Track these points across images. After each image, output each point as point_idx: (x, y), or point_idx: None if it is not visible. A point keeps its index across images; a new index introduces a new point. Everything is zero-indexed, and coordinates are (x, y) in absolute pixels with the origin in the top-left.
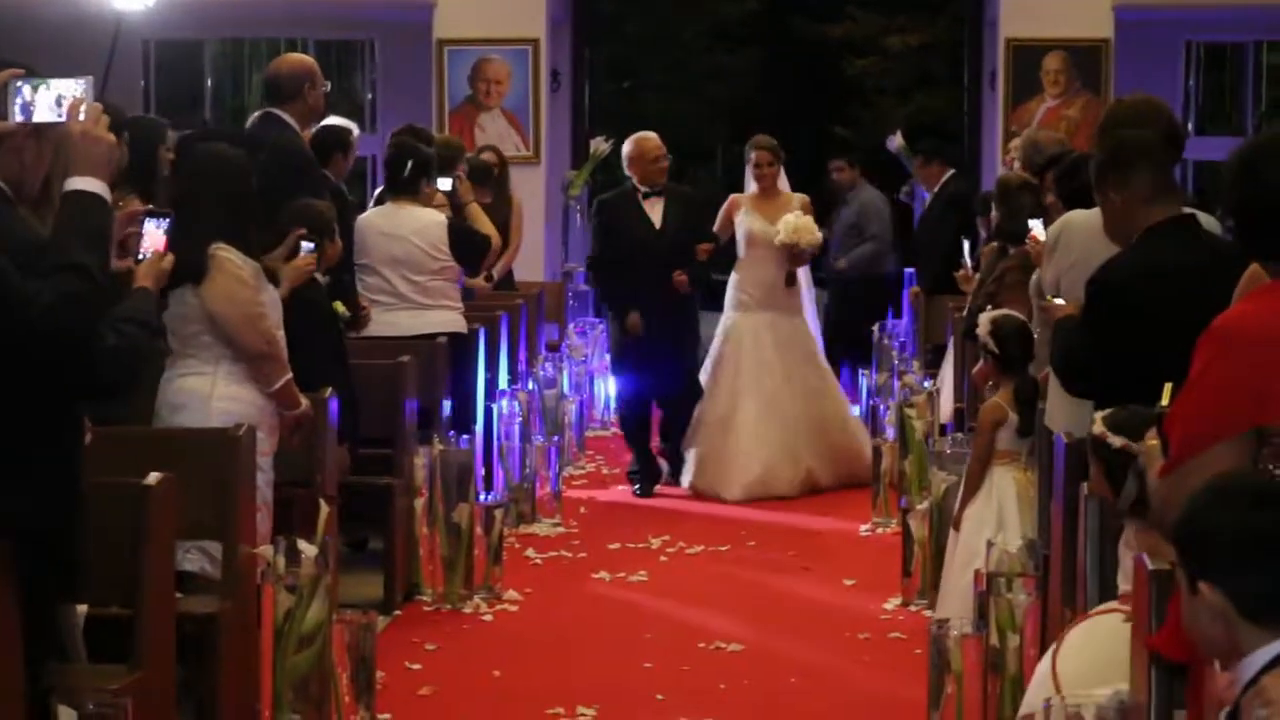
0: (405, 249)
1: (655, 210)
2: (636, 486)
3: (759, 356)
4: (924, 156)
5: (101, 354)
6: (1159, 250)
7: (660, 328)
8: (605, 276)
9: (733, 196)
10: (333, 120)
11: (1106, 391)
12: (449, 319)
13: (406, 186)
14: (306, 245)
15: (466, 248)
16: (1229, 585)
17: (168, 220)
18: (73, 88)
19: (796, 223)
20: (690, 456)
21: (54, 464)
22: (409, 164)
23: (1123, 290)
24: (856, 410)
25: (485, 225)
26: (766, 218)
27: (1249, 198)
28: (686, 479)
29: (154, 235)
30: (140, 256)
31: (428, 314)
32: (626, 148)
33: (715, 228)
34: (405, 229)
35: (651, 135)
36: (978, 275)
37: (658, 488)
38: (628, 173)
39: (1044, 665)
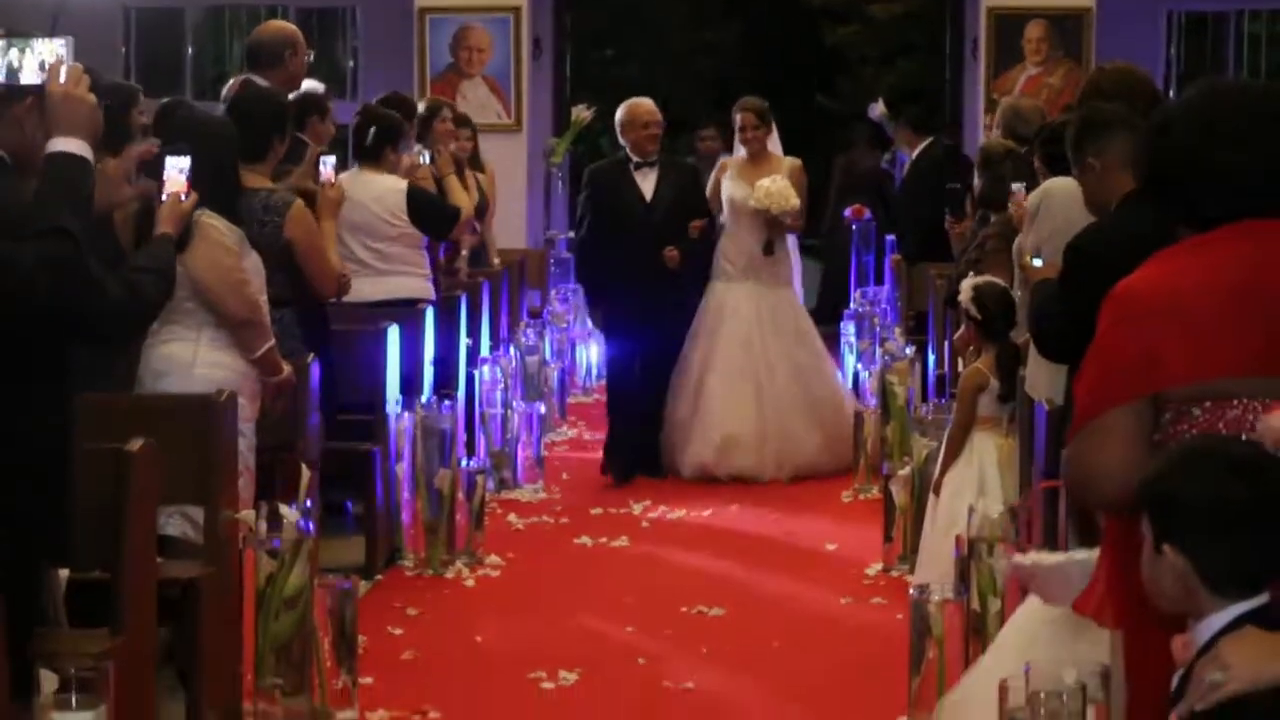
0: (363, 215)
1: (647, 182)
2: (614, 471)
3: (736, 329)
4: (913, 127)
5: (103, 306)
6: (1138, 217)
7: (649, 306)
8: (584, 260)
9: (721, 161)
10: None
11: (1081, 358)
12: (411, 285)
13: (369, 153)
14: (328, 160)
15: (428, 214)
16: (1193, 552)
17: (187, 158)
18: (54, 49)
19: (770, 187)
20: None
21: (43, 430)
22: (371, 131)
23: (1100, 257)
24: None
25: (460, 198)
26: (750, 184)
27: (1158, 159)
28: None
29: (173, 175)
30: (163, 197)
31: (388, 280)
32: (619, 113)
33: (708, 194)
34: (364, 195)
35: (644, 101)
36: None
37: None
38: (621, 140)
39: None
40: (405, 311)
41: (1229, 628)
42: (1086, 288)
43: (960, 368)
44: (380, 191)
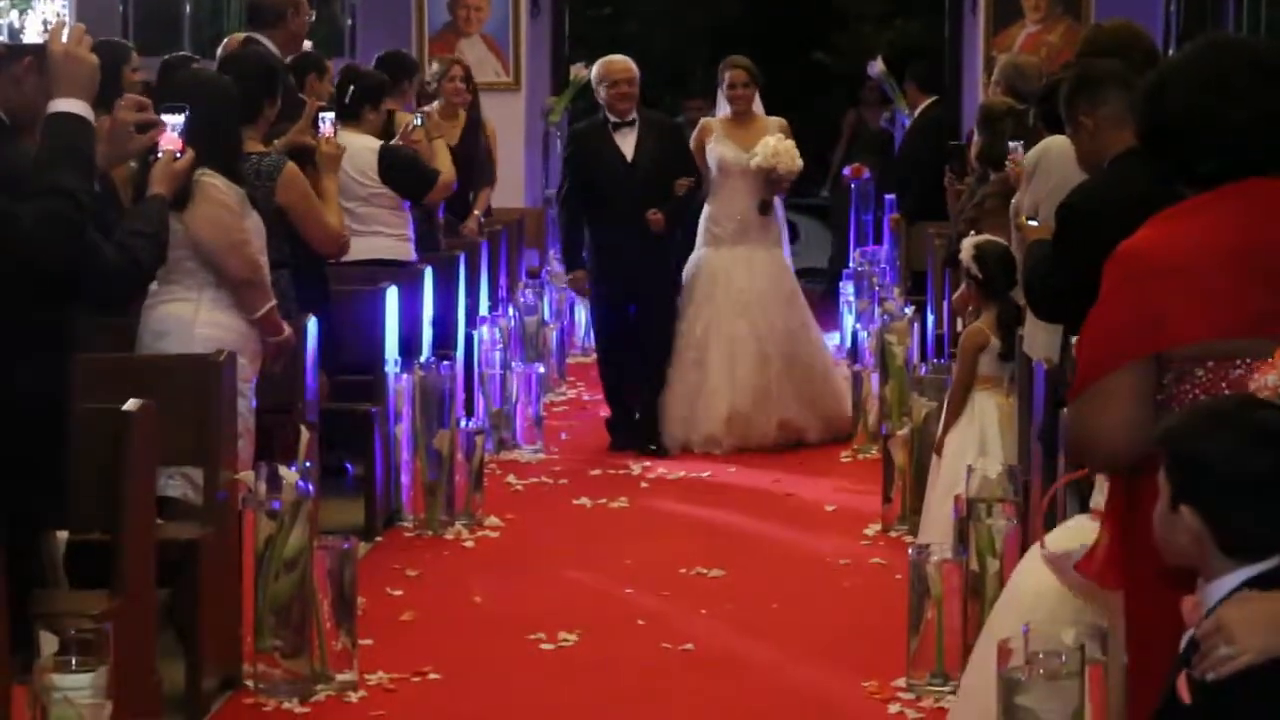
0: None
1: (627, 141)
2: (615, 440)
3: (733, 296)
4: (919, 82)
5: (99, 270)
6: (1131, 176)
7: (636, 270)
8: (565, 220)
9: (704, 121)
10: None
11: (1075, 317)
12: (384, 246)
13: (347, 112)
14: (326, 116)
15: (401, 176)
16: (1212, 515)
17: (183, 115)
18: (55, 9)
19: (777, 145)
20: (663, 406)
21: (41, 390)
22: (350, 90)
23: (1093, 215)
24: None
25: (444, 162)
26: (740, 144)
27: (1156, 119)
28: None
29: (168, 133)
30: (157, 154)
31: (360, 240)
32: (593, 71)
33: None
34: None
35: (617, 58)
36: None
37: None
38: (599, 100)
39: (1030, 555)
40: (403, 272)
41: (1233, 592)
42: (1080, 247)
43: (959, 327)
44: (350, 152)
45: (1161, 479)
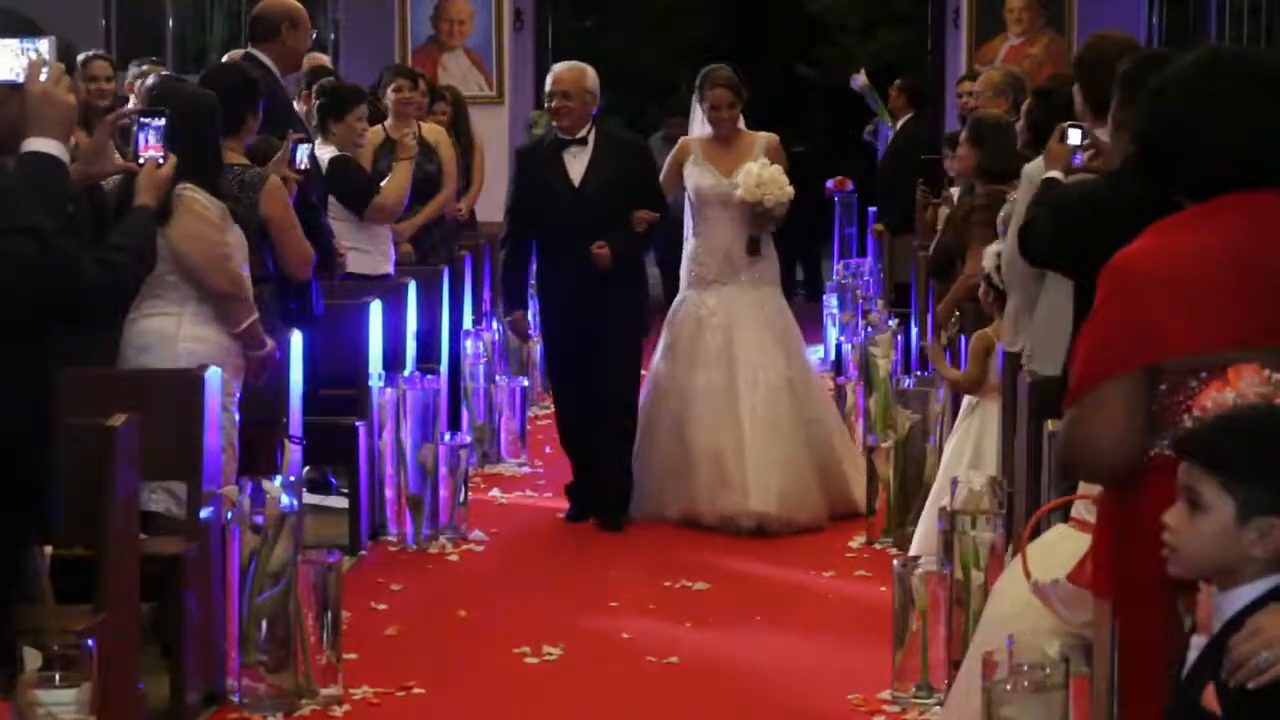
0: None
1: (577, 163)
2: (572, 508)
3: (714, 343)
4: (908, 94)
5: (79, 288)
6: (1116, 191)
7: (583, 313)
8: (506, 250)
9: (682, 140)
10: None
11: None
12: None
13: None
14: (304, 148)
15: (339, 186)
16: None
17: (163, 120)
18: (36, 46)
19: (760, 174)
20: (636, 473)
21: (25, 404)
22: (316, 104)
23: (1068, 213)
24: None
25: (393, 184)
26: (721, 168)
27: (1153, 131)
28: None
29: (150, 139)
30: (139, 160)
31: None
32: None
33: (662, 178)
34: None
35: (563, 66)
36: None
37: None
38: None
39: (1013, 566)
40: (388, 285)
41: (1259, 602)
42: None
43: (943, 339)
44: None
45: (1183, 488)
